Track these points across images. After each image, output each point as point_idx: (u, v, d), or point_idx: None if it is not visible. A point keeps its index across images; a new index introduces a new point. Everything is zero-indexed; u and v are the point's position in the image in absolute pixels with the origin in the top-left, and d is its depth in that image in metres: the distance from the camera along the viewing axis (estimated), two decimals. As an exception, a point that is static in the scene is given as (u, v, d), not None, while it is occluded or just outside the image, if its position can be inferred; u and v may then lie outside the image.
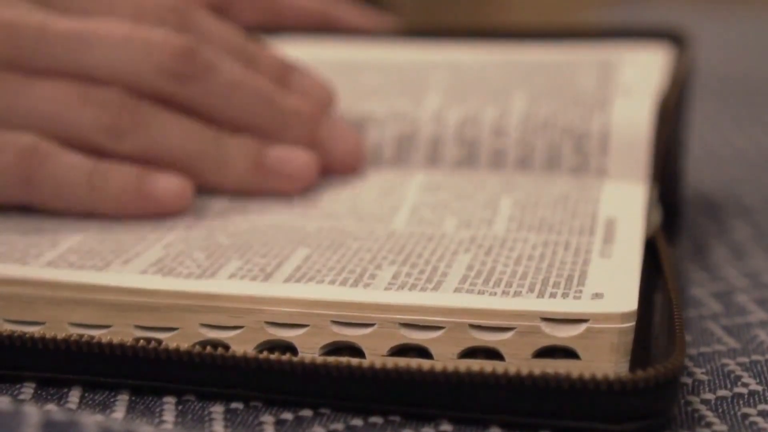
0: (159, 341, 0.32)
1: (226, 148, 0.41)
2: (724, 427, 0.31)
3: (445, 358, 0.32)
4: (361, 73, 0.49)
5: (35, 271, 0.35)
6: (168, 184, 0.39)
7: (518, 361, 0.31)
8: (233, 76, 0.41)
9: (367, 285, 0.33)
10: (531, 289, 0.33)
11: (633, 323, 0.31)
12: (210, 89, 0.40)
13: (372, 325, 0.32)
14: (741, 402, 0.32)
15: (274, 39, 0.52)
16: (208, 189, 0.41)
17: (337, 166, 0.42)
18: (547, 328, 0.31)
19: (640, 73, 0.46)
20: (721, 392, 0.33)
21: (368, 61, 0.50)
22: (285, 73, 0.43)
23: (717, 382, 0.34)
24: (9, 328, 0.34)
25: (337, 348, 0.32)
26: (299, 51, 0.51)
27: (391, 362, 0.31)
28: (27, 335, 0.32)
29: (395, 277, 0.34)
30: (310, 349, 0.32)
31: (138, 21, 0.41)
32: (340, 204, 0.40)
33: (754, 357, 0.35)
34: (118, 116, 0.39)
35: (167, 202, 0.39)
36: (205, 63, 0.40)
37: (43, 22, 0.40)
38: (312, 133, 0.42)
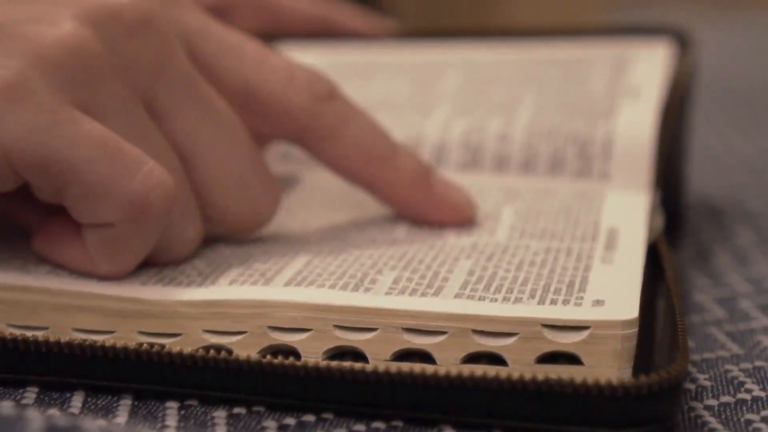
0: (162, 346, 0.32)
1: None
2: (728, 434, 0.31)
3: (448, 363, 0.31)
4: (372, 77, 0.49)
5: (37, 279, 0.35)
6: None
7: (521, 367, 0.31)
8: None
9: (368, 290, 0.33)
10: (532, 296, 0.33)
11: (635, 330, 0.31)
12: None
13: (375, 329, 0.32)
14: (744, 408, 0.32)
15: (275, 45, 0.52)
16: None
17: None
18: (550, 334, 0.31)
19: (649, 71, 0.46)
20: (725, 398, 0.33)
21: (380, 65, 0.50)
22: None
23: (720, 388, 0.34)
24: (12, 332, 0.34)
25: (341, 353, 0.32)
26: (306, 56, 0.51)
27: (394, 367, 0.31)
28: (30, 339, 0.32)
29: (396, 282, 0.34)
30: (313, 353, 0.32)
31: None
32: (341, 214, 0.40)
33: (758, 363, 0.35)
34: None
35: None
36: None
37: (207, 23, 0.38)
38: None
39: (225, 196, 0.36)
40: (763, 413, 0.32)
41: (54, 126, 0.33)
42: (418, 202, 0.39)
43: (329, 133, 0.38)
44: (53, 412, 0.32)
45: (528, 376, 0.30)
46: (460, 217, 0.39)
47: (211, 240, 0.37)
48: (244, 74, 0.37)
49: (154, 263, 0.35)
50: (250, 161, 0.37)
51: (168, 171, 0.34)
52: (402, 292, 0.33)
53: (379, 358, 0.32)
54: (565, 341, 0.31)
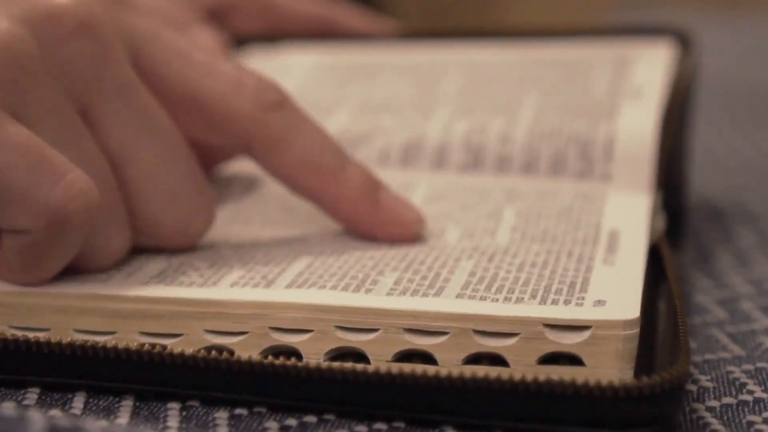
0: (164, 347, 0.32)
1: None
2: (729, 435, 0.31)
3: (450, 364, 0.31)
4: (373, 78, 0.49)
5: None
6: None
7: (523, 368, 0.31)
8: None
9: (369, 291, 0.33)
10: (533, 296, 0.33)
11: (636, 330, 0.31)
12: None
13: (376, 330, 0.32)
14: (746, 409, 0.32)
15: (276, 46, 0.52)
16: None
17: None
18: (551, 334, 0.31)
19: (651, 72, 0.46)
20: (726, 399, 0.33)
21: (381, 65, 0.50)
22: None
23: (722, 389, 0.34)
24: (14, 333, 0.34)
25: (342, 354, 0.32)
26: (306, 57, 0.51)
27: (396, 368, 0.31)
28: (32, 340, 0.32)
29: (397, 282, 0.34)
30: (314, 354, 0.32)
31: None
32: None
33: (759, 364, 0.35)
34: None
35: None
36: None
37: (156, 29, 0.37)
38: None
39: (155, 209, 0.36)
40: (765, 415, 0.32)
41: None
42: (363, 217, 0.37)
43: (276, 142, 0.37)
44: (55, 413, 0.32)
45: (529, 377, 0.30)
46: (406, 233, 0.37)
47: (211, 241, 0.37)
48: (190, 81, 0.36)
49: (78, 271, 0.35)
50: (185, 175, 0.36)
51: (97, 180, 0.33)
52: (403, 292, 0.33)
53: (380, 359, 0.32)
54: (567, 341, 0.31)
